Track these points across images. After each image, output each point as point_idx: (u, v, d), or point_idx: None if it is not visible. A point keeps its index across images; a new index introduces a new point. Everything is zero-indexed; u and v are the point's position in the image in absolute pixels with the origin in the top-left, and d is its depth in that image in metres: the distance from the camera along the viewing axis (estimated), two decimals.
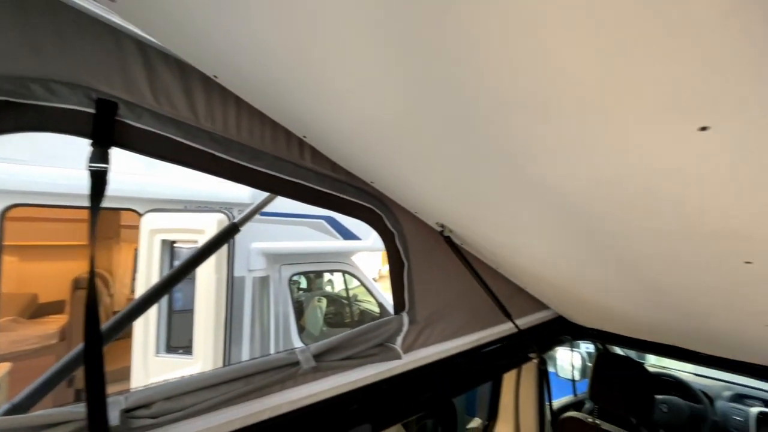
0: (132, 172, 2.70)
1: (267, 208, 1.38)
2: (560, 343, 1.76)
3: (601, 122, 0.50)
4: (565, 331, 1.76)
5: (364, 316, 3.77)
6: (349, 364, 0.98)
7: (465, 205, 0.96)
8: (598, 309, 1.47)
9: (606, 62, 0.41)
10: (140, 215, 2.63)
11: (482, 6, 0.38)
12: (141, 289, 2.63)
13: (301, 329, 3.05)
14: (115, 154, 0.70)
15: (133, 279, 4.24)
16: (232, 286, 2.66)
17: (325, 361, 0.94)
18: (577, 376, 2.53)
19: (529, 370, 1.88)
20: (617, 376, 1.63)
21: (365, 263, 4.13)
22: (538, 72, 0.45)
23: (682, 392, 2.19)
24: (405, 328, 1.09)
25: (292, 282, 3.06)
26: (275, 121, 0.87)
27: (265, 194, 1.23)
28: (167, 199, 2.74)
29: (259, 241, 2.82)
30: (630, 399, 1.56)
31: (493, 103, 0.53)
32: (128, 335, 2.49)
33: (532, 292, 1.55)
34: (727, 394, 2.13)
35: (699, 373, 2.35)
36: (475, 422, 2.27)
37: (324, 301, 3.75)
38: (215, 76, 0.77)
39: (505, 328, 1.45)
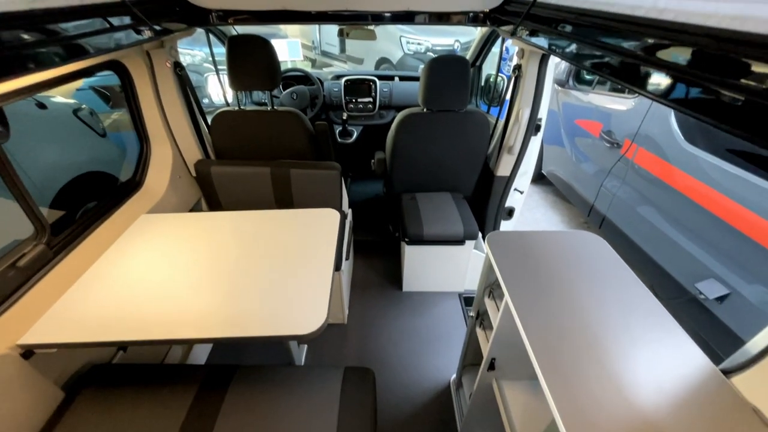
0: None
1: None
2: (178, 30, 1.51)
3: None
4: (185, 16, 1.52)
5: None
6: None
7: None
8: None
9: None
10: None
11: None
12: None
13: None
14: None
15: None
16: None
17: None
18: (229, 98, 2.58)
19: (167, 79, 1.64)
20: (249, 57, 1.65)
21: None
22: None
23: (306, 81, 2.72)
24: None
25: None
26: None
27: None
28: None
29: None
30: (261, 76, 1.69)
31: None
32: None
33: None
34: (330, 76, 2.85)
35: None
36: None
37: None
38: None
39: None
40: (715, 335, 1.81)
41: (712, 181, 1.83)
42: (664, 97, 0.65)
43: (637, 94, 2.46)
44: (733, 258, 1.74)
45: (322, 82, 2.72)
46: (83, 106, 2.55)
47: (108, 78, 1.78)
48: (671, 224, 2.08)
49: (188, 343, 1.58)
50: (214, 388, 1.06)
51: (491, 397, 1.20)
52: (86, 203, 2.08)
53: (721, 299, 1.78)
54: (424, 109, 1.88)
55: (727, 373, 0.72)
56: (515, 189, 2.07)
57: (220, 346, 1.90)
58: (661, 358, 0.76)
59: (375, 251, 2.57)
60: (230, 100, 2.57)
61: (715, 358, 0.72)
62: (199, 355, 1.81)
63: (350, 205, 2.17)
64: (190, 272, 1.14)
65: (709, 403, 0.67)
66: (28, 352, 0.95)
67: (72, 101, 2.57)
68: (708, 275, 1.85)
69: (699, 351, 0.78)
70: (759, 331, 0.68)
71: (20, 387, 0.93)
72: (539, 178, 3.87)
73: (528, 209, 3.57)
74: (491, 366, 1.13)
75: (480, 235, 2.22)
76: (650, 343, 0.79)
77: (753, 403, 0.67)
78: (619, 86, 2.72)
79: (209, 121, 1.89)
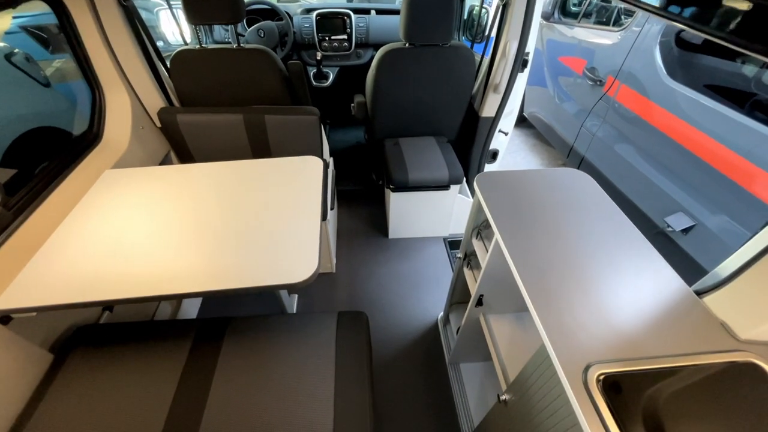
0: None
1: None
2: None
3: None
4: None
5: None
6: None
7: None
8: None
9: None
10: None
11: None
12: None
13: None
14: None
15: None
16: None
17: None
18: (188, 38, 2.31)
19: (111, 13, 1.43)
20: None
21: None
22: None
23: (273, 17, 2.45)
24: None
25: None
26: None
27: None
28: None
29: None
30: (221, 5, 1.49)
31: None
32: None
33: None
34: (299, 10, 2.57)
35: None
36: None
37: None
38: None
39: None
40: (676, 263, 1.95)
41: (688, 117, 1.85)
42: (664, 9, 0.61)
43: (622, 27, 2.37)
44: (701, 191, 1.82)
45: (291, 17, 2.46)
46: (16, 50, 2.23)
47: (43, 17, 1.54)
48: (646, 161, 2.13)
49: (177, 298, 1.57)
50: (209, 340, 1.07)
51: (478, 331, 1.28)
52: (39, 162, 1.90)
53: (686, 231, 1.89)
54: (406, 44, 1.75)
55: (700, 293, 0.78)
56: (500, 130, 2.03)
57: (210, 300, 1.90)
58: (642, 284, 0.80)
59: (359, 200, 2.54)
60: (188, 39, 2.30)
61: None
62: (189, 312, 1.81)
63: (331, 154, 2.08)
64: (170, 227, 1.08)
65: (683, 320, 0.73)
66: (5, 318, 0.91)
67: (1, 44, 2.23)
68: (677, 209, 1.95)
69: (675, 275, 0.83)
70: (718, 256, 0.73)
71: (1, 351, 0.90)
72: (520, 121, 3.82)
73: (508, 153, 3.57)
74: (479, 302, 1.18)
75: (465, 179, 2.21)
76: (632, 271, 0.83)
77: (722, 319, 0.72)
78: (605, 18, 2.60)
79: (168, 64, 1.69)
